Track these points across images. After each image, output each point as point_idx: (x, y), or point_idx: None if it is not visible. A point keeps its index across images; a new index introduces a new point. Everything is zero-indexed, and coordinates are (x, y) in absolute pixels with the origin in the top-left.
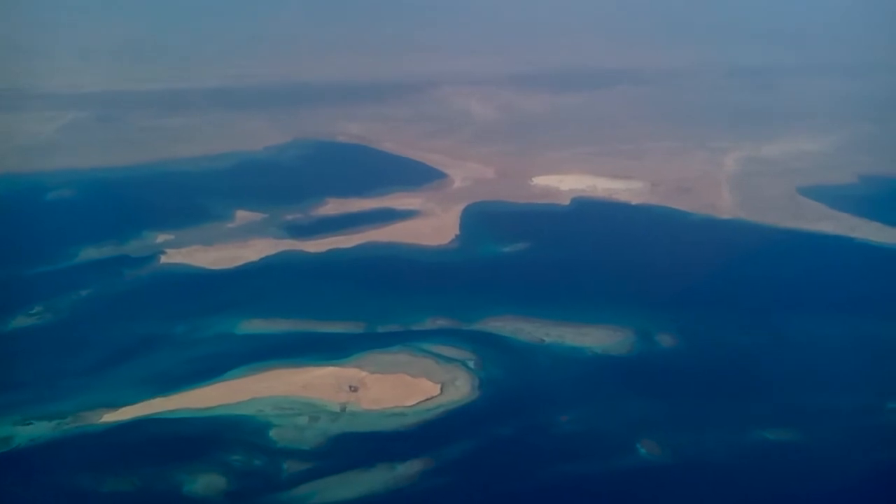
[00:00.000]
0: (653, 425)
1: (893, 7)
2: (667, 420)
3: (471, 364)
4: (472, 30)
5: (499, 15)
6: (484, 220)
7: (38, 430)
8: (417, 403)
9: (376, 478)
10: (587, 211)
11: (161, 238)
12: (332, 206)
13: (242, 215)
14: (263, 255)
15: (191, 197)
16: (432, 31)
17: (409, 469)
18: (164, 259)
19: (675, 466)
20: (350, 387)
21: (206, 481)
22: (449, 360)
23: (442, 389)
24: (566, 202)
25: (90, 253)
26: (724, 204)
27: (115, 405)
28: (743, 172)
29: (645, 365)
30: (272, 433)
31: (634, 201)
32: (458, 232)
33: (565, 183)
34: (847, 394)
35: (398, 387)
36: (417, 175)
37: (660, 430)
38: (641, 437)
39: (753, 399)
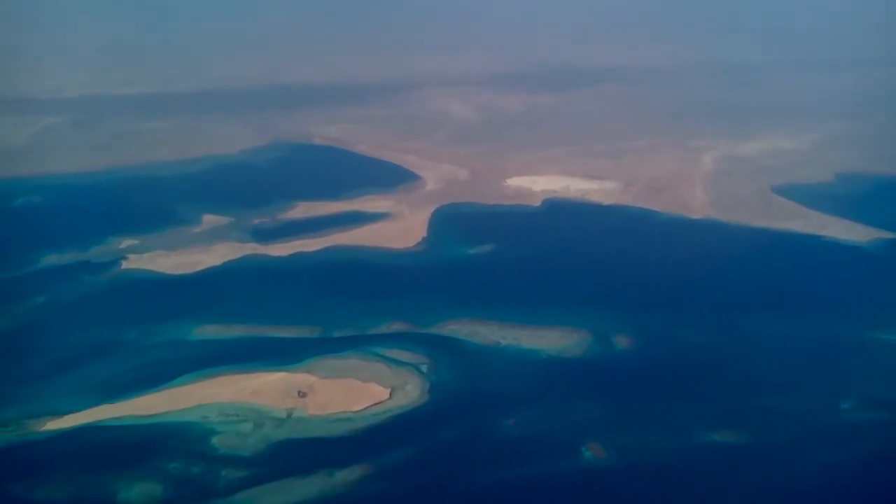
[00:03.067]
0: (600, 428)
1: (879, 4)
2: (615, 422)
3: (423, 368)
4: (459, 30)
5: (486, 14)
6: (452, 222)
7: None
8: (365, 408)
9: (313, 484)
10: (557, 212)
11: (125, 243)
12: (301, 210)
13: (209, 219)
14: (226, 259)
15: (160, 201)
16: (417, 32)
17: (347, 475)
18: (125, 265)
19: (617, 469)
20: (299, 392)
21: (142, 489)
22: (401, 364)
23: (391, 394)
24: (537, 203)
25: (52, 259)
26: (697, 203)
27: (59, 413)
28: (718, 171)
29: (599, 367)
30: (214, 440)
31: (606, 201)
32: (425, 234)
33: (539, 184)
34: (802, 394)
35: (347, 392)
36: (390, 177)
37: (606, 433)
38: (587, 439)
39: (705, 400)
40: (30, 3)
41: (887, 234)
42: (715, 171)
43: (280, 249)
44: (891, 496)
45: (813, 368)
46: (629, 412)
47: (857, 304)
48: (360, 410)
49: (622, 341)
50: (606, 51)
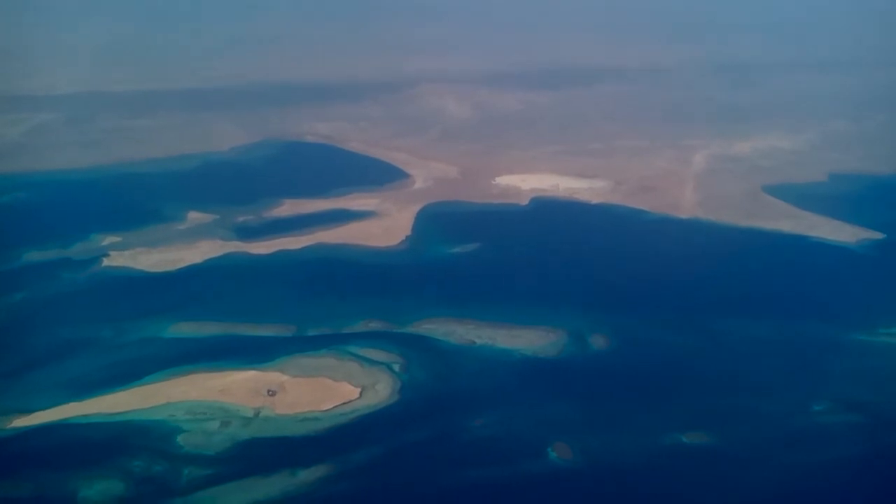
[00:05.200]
0: (569, 429)
1: (878, 4)
2: (584, 423)
3: (395, 367)
4: (458, 29)
5: (486, 14)
6: (437, 221)
7: None
8: (333, 408)
9: (275, 484)
10: (544, 211)
11: (107, 240)
12: (287, 207)
13: (194, 217)
14: (207, 257)
15: (146, 199)
16: (415, 32)
17: (311, 475)
18: (106, 262)
19: (583, 471)
20: (268, 391)
21: (102, 487)
22: (374, 363)
23: (361, 393)
24: (525, 202)
25: (34, 256)
26: (686, 203)
27: (28, 410)
28: (709, 170)
29: (572, 367)
30: (180, 438)
31: (595, 200)
32: (409, 233)
33: (528, 182)
34: (775, 396)
35: (317, 391)
36: (379, 175)
37: (575, 434)
38: (555, 440)
39: (677, 402)
40: (26, 0)
41: (876, 235)
42: (707, 171)
43: (262, 247)
44: (857, 499)
45: (788, 370)
46: (599, 413)
47: (839, 304)
48: (329, 410)
49: (598, 341)
50: (605, 50)
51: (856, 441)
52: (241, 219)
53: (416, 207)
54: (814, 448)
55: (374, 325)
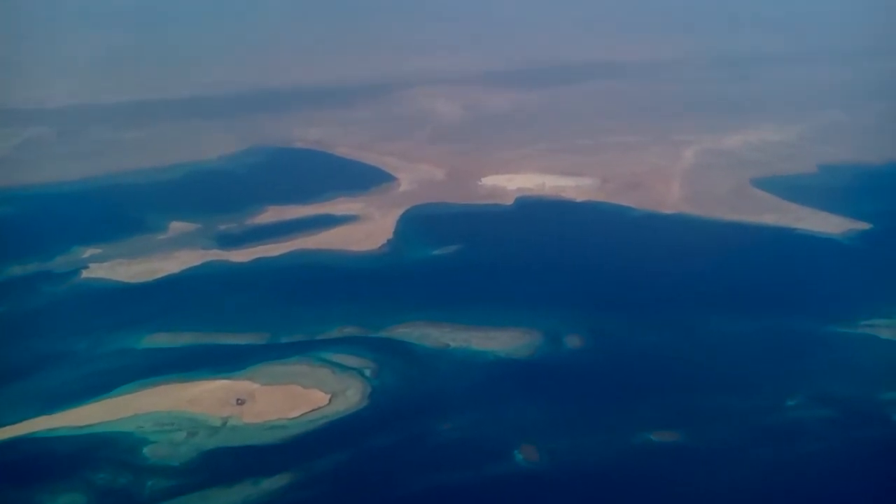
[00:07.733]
0: (538, 430)
1: None
2: (554, 424)
3: (367, 373)
4: (451, 29)
5: (480, 13)
6: (420, 224)
7: None
8: (301, 415)
9: (238, 493)
10: (528, 211)
11: (88, 252)
12: (270, 214)
13: (176, 226)
14: (186, 266)
15: (129, 209)
16: (407, 33)
17: (274, 483)
18: (85, 274)
19: (549, 472)
20: (237, 400)
21: (66, 501)
22: (346, 369)
23: (331, 400)
24: (510, 202)
25: (15, 270)
26: (672, 198)
27: None
28: (698, 165)
29: (545, 368)
30: (146, 449)
31: (580, 199)
32: (391, 236)
33: (514, 182)
34: (749, 392)
35: (287, 398)
36: (365, 179)
37: (543, 435)
38: (522, 442)
39: (650, 401)
40: (18, 12)
41: (862, 225)
42: (696, 166)
43: (242, 255)
44: (828, 495)
45: (765, 365)
46: (570, 414)
47: (820, 296)
48: (296, 417)
49: (573, 341)
50: (598, 46)
51: (828, 435)
52: (222, 227)
53: (400, 211)
54: (785, 443)
55: (349, 331)
